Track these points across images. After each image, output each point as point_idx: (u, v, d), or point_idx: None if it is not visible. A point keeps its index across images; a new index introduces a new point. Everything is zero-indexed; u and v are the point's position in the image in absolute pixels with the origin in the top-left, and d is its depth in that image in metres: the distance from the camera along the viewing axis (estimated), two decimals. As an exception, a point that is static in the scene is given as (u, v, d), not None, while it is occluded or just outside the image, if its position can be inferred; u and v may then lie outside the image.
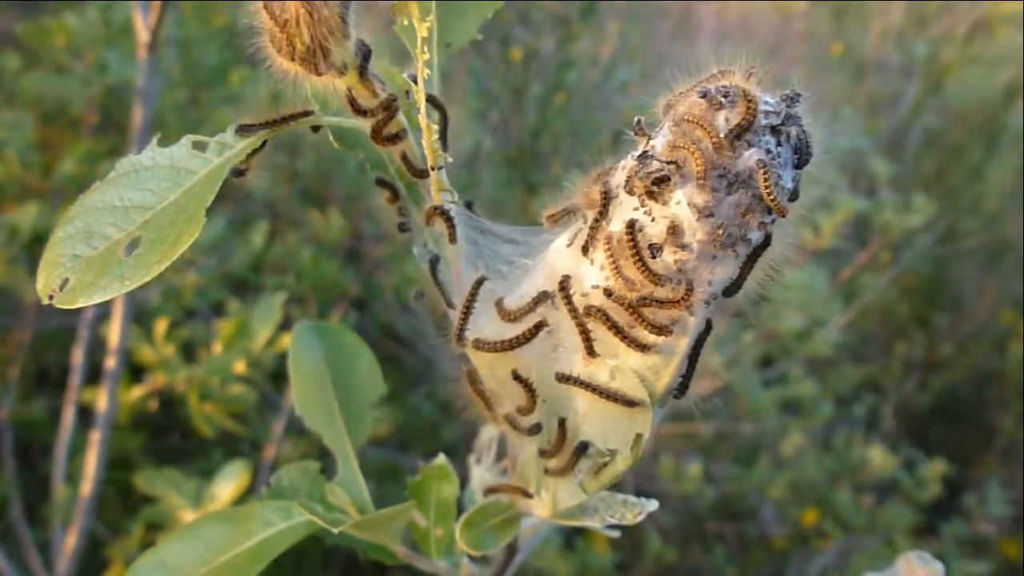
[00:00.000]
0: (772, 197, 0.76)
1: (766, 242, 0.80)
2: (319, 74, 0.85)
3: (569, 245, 0.86)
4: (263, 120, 0.87)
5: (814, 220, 3.62)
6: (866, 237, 4.18)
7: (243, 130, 0.86)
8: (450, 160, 0.91)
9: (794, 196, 0.79)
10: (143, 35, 1.75)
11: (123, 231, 0.79)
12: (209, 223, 2.94)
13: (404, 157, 0.92)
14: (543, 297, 0.85)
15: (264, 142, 0.87)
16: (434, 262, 0.94)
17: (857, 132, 4.36)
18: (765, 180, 0.75)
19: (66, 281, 0.77)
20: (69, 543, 2.10)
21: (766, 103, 0.77)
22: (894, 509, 3.56)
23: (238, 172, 0.87)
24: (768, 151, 0.77)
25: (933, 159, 5.47)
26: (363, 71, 0.87)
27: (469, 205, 0.98)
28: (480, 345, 0.87)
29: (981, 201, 5.19)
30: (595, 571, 3.13)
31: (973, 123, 5.65)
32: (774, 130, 0.77)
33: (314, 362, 1.10)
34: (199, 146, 0.84)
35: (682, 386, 0.85)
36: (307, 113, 0.89)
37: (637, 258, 0.78)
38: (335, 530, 0.91)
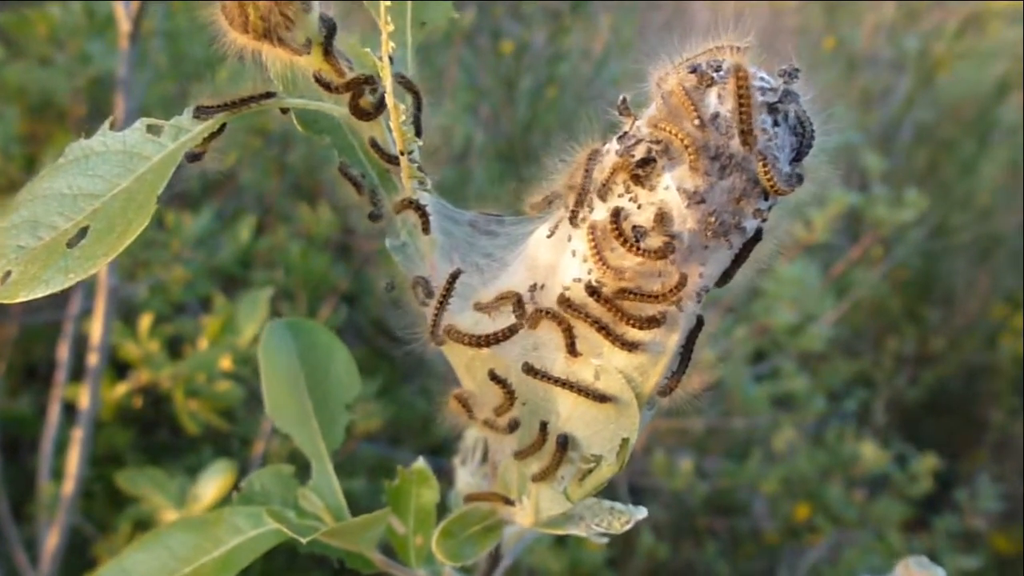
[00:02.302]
0: (772, 182, 0.69)
1: (757, 235, 0.74)
2: (276, 47, 0.79)
3: (550, 236, 0.80)
4: (221, 102, 0.81)
5: (806, 215, 3.61)
6: (858, 231, 4.17)
7: (200, 112, 0.80)
8: (421, 143, 0.86)
9: (798, 179, 0.72)
10: (124, 25, 1.72)
11: (71, 220, 0.74)
12: (197, 217, 2.91)
13: (373, 142, 0.86)
14: (518, 302, 0.80)
15: (223, 125, 0.81)
16: (416, 281, 0.88)
17: (849, 126, 4.35)
18: (763, 164, 0.69)
19: (8, 274, 0.73)
20: (51, 542, 2.08)
21: (761, 79, 0.71)
22: (886, 504, 3.56)
23: (193, 156, 0.81)
24: (764, 131, 0.70)
25: (925, 153, 5.47)
26: (328, 47, 0.81)
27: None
28: (453, 334, 0.82)
29: (973, 195, 5.19)
30: (587, 567, 3.12)
31: (965, 117, 5.65)
32: (771, 108, 0.71)
33: (286, 361, 1.04)
34: (154, 130, 0.79)
35: (670, 385, 0.79)
36: (269, 95, 0.82)
37: (627, 244, 0.71)
38: (304, 540, 0.87)
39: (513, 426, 0.86)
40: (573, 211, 0.77)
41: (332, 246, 3.70)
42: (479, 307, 0.82)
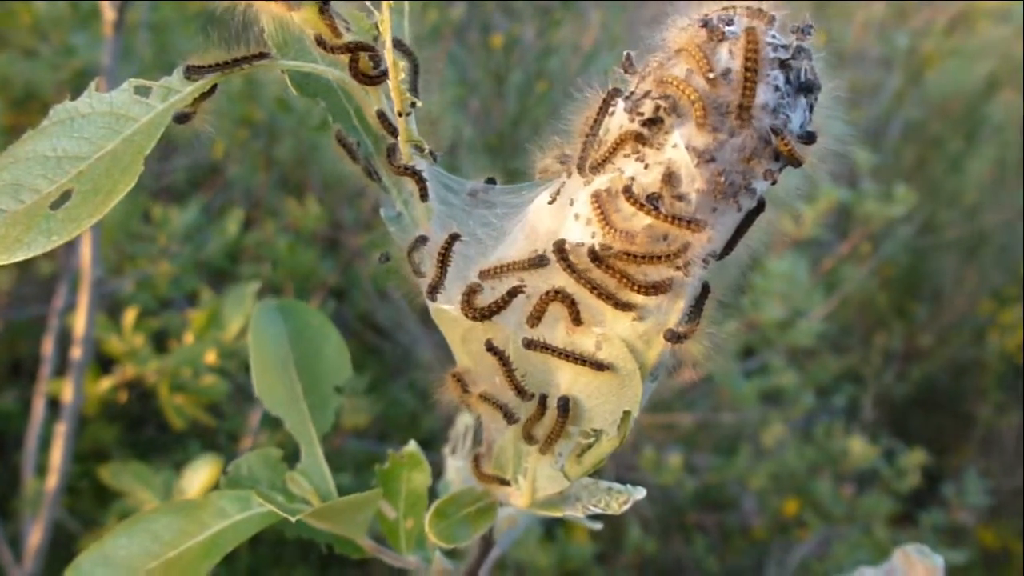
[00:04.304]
0: (784, 142, 0.67)
1: (760, 205, 0.72)
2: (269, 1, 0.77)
3: (551, 202, 0.77)
4: (214, 62, 0.78)
5: (796, 210, 3.62)
6: (847, 227, 4.18)
7: (191, 72, 0.78)
8: (419, 104, 0.83)
9: (810, 139, 0.70)
10: (109, 13, 1.70)
11: (54, 183, 0.72)
12: (184, 211, 2.88)
13: (380, 113, 0.84)
14: (534, 261, 0.76)
15: (214, 87, 0.79)
16: (417, 242, 0.85)
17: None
18: (777, 131, 0.67)
19: None
20: (35, 538, 2.05)
21: (773, 37, 0.69)
22: (874, 499, 3.57)
23: (182, 117, 0.79)
24: (776, 88, 0.68)
25: (913, 150, 5.49)
26: (323, 4, 0.79)
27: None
28: (468, 301, 0.78)
29: (961, 192, 5.22)
30: (575, 562, 3.12)
31: (953, 114, 5.67)
32: (783, 64, 0.69)
33: (276, 342, 1.01)
34: (142, 91, 0.77)
35: (685, 332, 0.75)
36: (263, 55, 0.80)
37: (642, 207, 0.69)
38: (293, 519, 0.84)
39: (512, 418, 0.82)
40: (581, 157, 0.73)
41: (320, 240, 3.68)
42: (482, 277, 0.80)
